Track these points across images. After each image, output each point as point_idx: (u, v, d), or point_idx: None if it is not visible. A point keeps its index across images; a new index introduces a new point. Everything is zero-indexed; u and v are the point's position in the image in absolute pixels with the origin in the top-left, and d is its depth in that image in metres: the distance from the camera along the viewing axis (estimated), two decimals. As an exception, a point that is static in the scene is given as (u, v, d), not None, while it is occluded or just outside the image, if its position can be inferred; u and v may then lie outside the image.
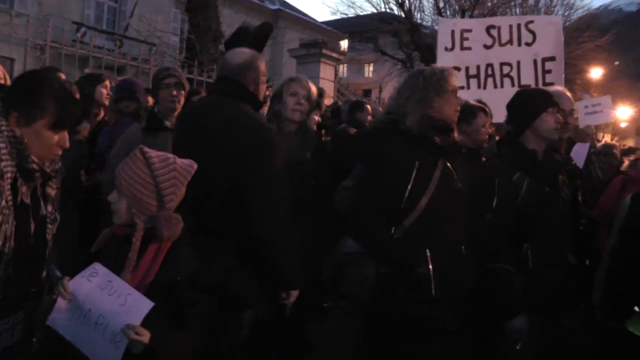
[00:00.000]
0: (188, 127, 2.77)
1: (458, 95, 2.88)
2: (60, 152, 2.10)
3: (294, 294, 2.62)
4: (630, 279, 2.41)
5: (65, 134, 2.08)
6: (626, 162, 4.72)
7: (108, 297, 1.96)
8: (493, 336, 2.86)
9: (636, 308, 2.44)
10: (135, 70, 10.30)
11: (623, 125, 32.99)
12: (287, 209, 2.50)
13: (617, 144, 10.02)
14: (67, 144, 2.09)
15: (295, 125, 3.33)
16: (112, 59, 10.08)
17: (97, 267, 2.05)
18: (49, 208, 2.15)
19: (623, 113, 31.59)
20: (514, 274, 2.77)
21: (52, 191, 2.17)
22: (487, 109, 3.55)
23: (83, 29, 18.41)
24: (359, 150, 2.88)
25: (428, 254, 2.57)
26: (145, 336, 1.89)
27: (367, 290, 2.59)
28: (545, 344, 2.88)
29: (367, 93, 25.14)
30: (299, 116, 3.30)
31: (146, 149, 2.15)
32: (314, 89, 3.37)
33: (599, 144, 7.18)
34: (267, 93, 3.65)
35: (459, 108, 2.86)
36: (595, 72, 25.00)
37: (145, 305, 1.93)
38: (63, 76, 4.50)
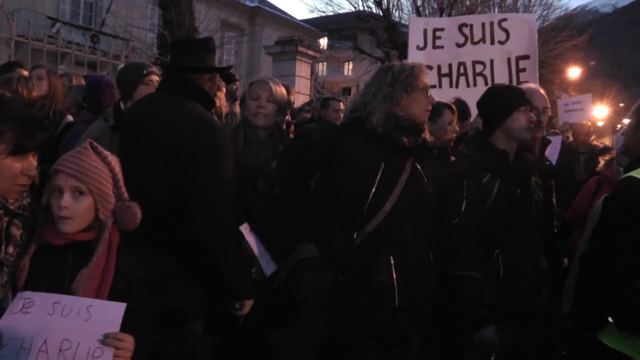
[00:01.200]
0: (132, 124, 2.58)
1: (430, 94, 2.74)
2: (27, 182, 1.85)
3: (248, 304, 2.45)
4: (601, 287, 2.29)
5: (31, 160, 1.83)
6: (602, 162, 4.65)
7: (64, 319, 1.77)
8: (461, 347, 2.74)
9: (610, 319, 2.31)
10: (112, 67, 10.09)
11: (600, 124, 33.53)
12: (231, 215, 2.34)
13: (597, 142, 10.12)
14: (34, 172, 1.84)
15: (265, 131, 3.09)
16: (83, 55, 9.85)
17: (28, 295, 1.81)
18: (10, 249, 1.90)
19: (600, 112, 32.09)
20: (483, 282, 2.64)
21: (16, 231, 1.91)
22: (453, 107, 3.41)
23: (58, 25, 18.11)
24: (319, 148, 2.70)
25: (391, 261, 2.43)
26: (128, 341, 1.79)
27: (323, 298, 2.45)
28: (518, 354, 2.76)
29: (345, 91, 25.05)
30: (263, 120, 3.05)
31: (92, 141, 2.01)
32: (279, 89, 3.13)
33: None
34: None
35: (430, 107, 2.72)
36: (573, 72, 25.30)
37: (116, 308, 1.81)
38: (25, 72, 4.27)
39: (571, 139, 7.56)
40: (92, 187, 1.91)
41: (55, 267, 1.89)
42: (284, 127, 3.71)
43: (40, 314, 1.77)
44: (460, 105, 3.87)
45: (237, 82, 5.95)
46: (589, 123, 7.66)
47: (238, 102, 3.97)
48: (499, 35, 5.23)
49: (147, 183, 2.28)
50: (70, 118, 3.91)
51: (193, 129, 2.33)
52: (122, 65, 8.32)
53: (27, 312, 1.77)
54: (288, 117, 4.04)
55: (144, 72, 3.45)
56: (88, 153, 1.96)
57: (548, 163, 3.22)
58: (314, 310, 2.77)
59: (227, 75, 5.17)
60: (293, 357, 3.54)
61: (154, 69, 3.60)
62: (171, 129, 2.34)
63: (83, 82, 5.21)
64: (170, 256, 2.29)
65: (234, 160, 2.46)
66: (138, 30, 16.27)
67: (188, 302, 2.32)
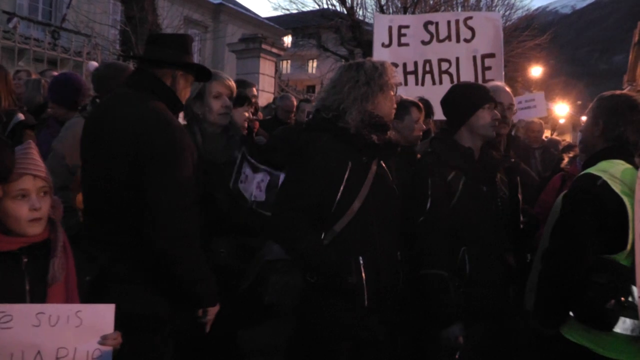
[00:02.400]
0: (94, 122, 2.47)
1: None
2: None
3: (212, 310, 2.36)
4: (562, 283, 2.31)
5: None
6: (566, 159, 4.73)
7: (54, 329, 1.75)
8: (428, 344, 2.73)
9: (571, 313, 2.34)
10: (73, 64, 9.82)
11: (561, 121, 34.37)
12: (190, 219, 2.23)
13: (559, 139, 10.38)
14: None
15: (221, 127, 3.05)
16: (42, 51, 9.56)
17: (2, 308, 1.73)
18: None
19: (561, 110, 32.90)
20: (450, 279, 2.63)
21: None
22: (420, 105, 3.39)
23: (15, 19, 17.52)
24: (284, 148, 2.63)
25: (360, 261, 2.39)
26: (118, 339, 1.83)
27: (292, 300, 2.39)
28: (485, 351, 2.77)
29: (310, 89, 25.02)
30: (227, 119, 3.00)
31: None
32: (234, 84, 3.09)
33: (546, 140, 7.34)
34: None
35: (395, 105, 2.69)
36: (535, 70, 25.85)
37: (106, 310, 1.82)
38: None
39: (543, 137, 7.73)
40: (51, 186, 1.93)
41: (8, 274, 1.81)
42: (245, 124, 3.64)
43: (23, 327, 1.73)
44: (424, 104, 3.87)
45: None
46: (540, 120, 7.82)
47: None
48: (465, 33, 5.23)
49: (104, 183, 2.20)
50: (21, 116, 3.73)
51: (150, 129, 2.22)
52: (93, 63, 8.10)
53: (7, 327, 1.72)
54: (249, 115, 3.91)
55: (125, 72, 3.37)
56: (35, 154, 1.91)
57: (512, 160, 3.22)
58: (282, 312, 2.71)
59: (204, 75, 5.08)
60: (260, 360, 3.45)
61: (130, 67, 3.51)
62: (128, 127, 2.23)
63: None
64: (127, 260, 2.20)
65: (196, 157, 2.37)
66: (100, 26, 15.90)
67: (150, 309, 2.22)
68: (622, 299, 2.19)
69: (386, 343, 2.55)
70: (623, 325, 2.24)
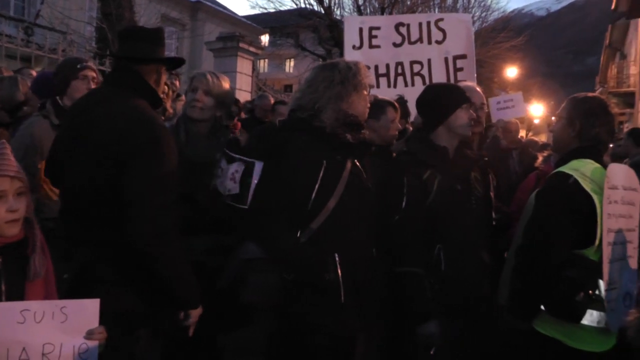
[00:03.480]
0: (72, 119, 2.45)
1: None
2: None
3: (194, 313, 2.35)
4: (535, 278, 2.38)
5: None
6: (540, 158, 4.83)
7: (40, 325, 1.74)
8: (405, 341, 2.76)
9: (542, 307, 2.41)
10: (48, 61, 9.64)
11: (536, 121, 34.89)
12: (171, 217, 2.22)
13: (536, 139, 10.56)
14: None
15: (205, 125, 3.04)
16: (15, 48, 9.38)
17: None
18: None
19: (536, 110, 33.42)
20: (425, 277, 2.67)
21: None
22: (396, 104, 3.43)
23: (-15, 15, 17.16)
24: (260, 147, 2.65)
25: (337, 258, 2.42)
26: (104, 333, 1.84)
27: (270, 299, 2.40)
28: (460, 347, 2.81)
29: (287, 88, 25.01)
30: (197, 112, 2.98)
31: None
32: (218, 82, 3.06)
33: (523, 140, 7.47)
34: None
35: (369, 104, 2.73)
36: (511, 71, 26.21)
37: (91, 305, 1.83)
38: None
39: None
40: (27, 186, 1.92)
41: None
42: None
43: (8, 324, 1.72)
44: (401, 104, 3.90)
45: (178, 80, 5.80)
46: (516, 121, 7.96)
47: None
48: (436, 35, 5.28)
49: (84, 182, 2.18)
50: None
51: (132, 126, 2.21)
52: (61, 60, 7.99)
53: None
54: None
55: (78, 66, 3.33)
56: (9, 151, 1.90)
57: (486, 159, 3.28)
58: (261, 311, 2.72)
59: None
60: (241, 360, 3.43)
61: (90, 63, 3.47)
62: (110, 125, 2.22)
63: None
64: (108, 259, 2.19)
65: (178, 156, 2.37)
66: (76, 22, 15.63)
67: (127, 308, 2.20)
68: (590, 292, 2.28)
69: (364, 339, 2.59)
70: (591, 318, 2.34)
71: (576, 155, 2.53)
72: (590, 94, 2.73)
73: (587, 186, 2.35)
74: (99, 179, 2.19)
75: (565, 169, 2.46)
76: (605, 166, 2.45)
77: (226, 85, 3.13)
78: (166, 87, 4.45)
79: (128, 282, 2.20)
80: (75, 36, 13.13)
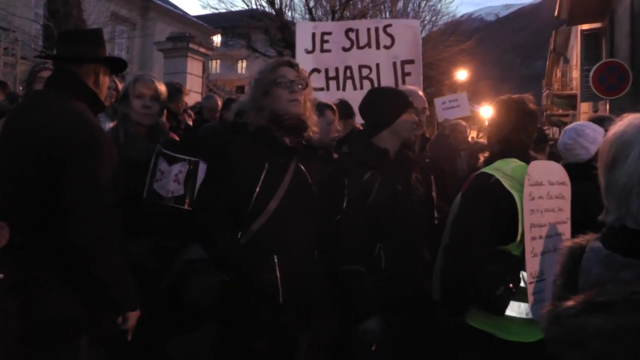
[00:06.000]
0: (10, 123, 2.41)
1: (315, 96, 2.79)
2: None
3: (132, 316, 2.34)
4: (461, 274, 2.48)
5: None
6: (481, 159, 4.99)
7: None
8: (347, 338, 2.82)
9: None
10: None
11: (487, 123, 35.74)
12: (109, 220, 2.22)
13: (483, 140, 10.82)
14: None
15: (145, 128, 3.08)
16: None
17: None
18: None
19: (486, 112, 34.23)
20: (366, 275, 2.73)
21: None
22: (334, 107, 3.50)
23: None
24: (206, 148, 2.68)
25: (275, 260, 2.45)
26: None
27: (210, 300, 2.43)
28: (402, 344, 2.89)
29: (239, 89, 24.84)
30: (149, 119, 3.04)
31: None
32: (162, 88, 3.11)
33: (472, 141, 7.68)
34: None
35: (294, 98, 2.65)
36: (461, 74, 26.78)
37: None
38: None
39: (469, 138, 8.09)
40: None
41: None
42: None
43: None
44: (344, 105, 3.98)
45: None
46: (465, 122, 8.19)
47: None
48: (385, 40, 5.40)
49: (19, 184, 2.16)
50: None
51: (68, 129, 2.19)
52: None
53: None
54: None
55: (35, 69, 3.39)
56: None
57: (427, 160, 3.40)
58: (205, 313, 2.73)
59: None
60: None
61: (47, 64, 3.43)
62: (46, 127, 2.20)
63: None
64: (43, 263, 2.16)
65: (116, 157, 2.37)
66: (20, 20, 15.09)
67: (66, 314, 2.17)
68: (512, 285, 2.38)
69: (306, 339, 2.63)
70: (518, 310, 2.43)
71: (501, 155, 2.64)
72: (514, 96, 2.80)
73: (507, 184, 2.44)
74: (34, 181, 2.16)
75: (488, 169, 2.58)
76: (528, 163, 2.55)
77: (164, 89, 3.17)
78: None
79: (66, 286, 2.18)
80: (19, 34, 12.69)
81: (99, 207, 2.17)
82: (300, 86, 2.66)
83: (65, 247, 2.12)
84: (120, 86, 4.36)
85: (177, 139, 3.20)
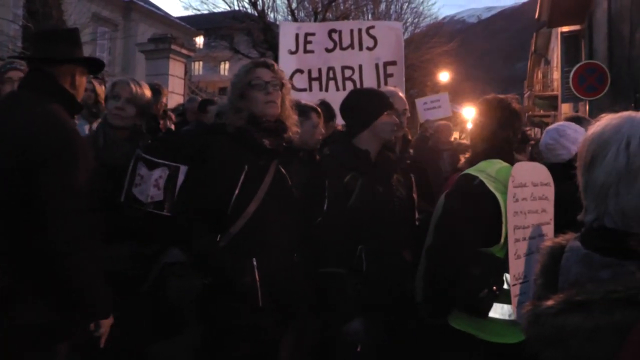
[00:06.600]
0: None
1: (298, 97, 2.78)
2: None
3: (104, 323, 2.29)
4: (445, 276, 2.48)
5: None
6: (462, 159, 5.02)
7: None
8: (331, 341, 2.82)
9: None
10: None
11: (469, 125, 36.02)
12: (85, 224, 2.16)
13: (465, 141, 10.92)
14: None
15: (125, 131, 3.02)
16: None
17: None
18: None
19: (468, 113, 34.50)
20: (347, 277, 2.72)
21: None
22: (319, 110, 3.49)
23: None
24: (186, 150, 2.65)
25: (254, 263, 2.43)
26: None
27: (189, 303, 2.40)
28: (386, 345, 2.89)
29: (222, 91, 24.74)
30: (120, 121, 2.98)
31: None
32: (140, 90, 3.04)
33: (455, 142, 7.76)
34: None
35: (270, 99, 2.63)
36: (444, 76, 26.97)
37: None
38: None
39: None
40: None
41: None
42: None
43: None
44: (326, 107, 3.97)
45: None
46: (448, 123, 8.27)
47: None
48: (367, 41, 5.41)
49: None
50: None
51: (42, 132, 2.14)
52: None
53: None
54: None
55: (2, 69, 3.30)
56: None
57: (408, 162, 3.41)
58: (185, 318, 2.70)
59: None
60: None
61: (16, 64, 3.37)
62: (17, 132, 2.14)
63: None
64: (15, 270, 2.11)
65: (93, 161, 2.32)
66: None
67: (42, 321, 2.12)
68: (495, 287, 2.38)
69: (288, 342, 2.62)
70: (501, 311, 2.43)
71: (485, 156, 2.64)
72: (500, 96, 2.80)
73: (491, 186, 2.44)
74: (8, 185, 2.10)
75: (472, 170, 2.58)
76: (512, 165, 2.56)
77: (148, 93, 3.11)
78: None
79: (41, 293, 2.13)
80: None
81: (74, 211, 2.11)
82: (276, 87, 2.64)
83: (38, 253, 2.07)
84: (98, 88, 4.32)
85: (153, 141, 3.16)
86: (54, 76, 2.33)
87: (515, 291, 2.36)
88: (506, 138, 2.67)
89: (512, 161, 2.63)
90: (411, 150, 6.34)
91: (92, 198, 2.24)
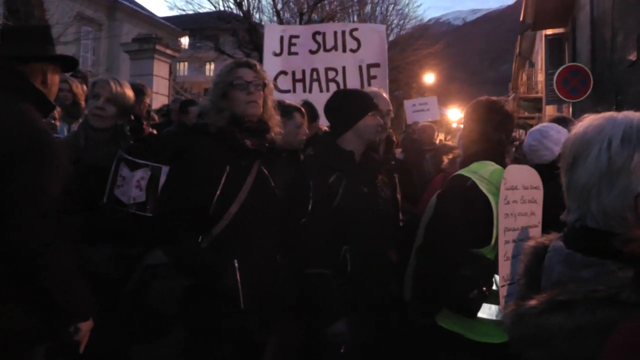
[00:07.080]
0: None
1: (282, 98, 2.76)
2: None
3: (84, 326, 2.24)
4: (434, 276, 2.48)
5: None
6: (446, 160, 5.06)
7: None
8: (315, 341, 2.80)
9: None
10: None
11: (454, 125, 36.25)
12: (55, 226, 2.10)
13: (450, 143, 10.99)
14: None
15: (106, 133, 2.96)
16: None
17: None
18: None
19: (453, 114, 34.71)
20: (332, 277, 2.71)
21: None
22: (302, 110, 3.48)
23: None
24: (168, 150, 2.61)
25: (236, 264, 2.40)
26: None
27: (171, 304, 2.37)
28: (370, 346, 2.88)
29: (207, 92, 24.58)
30: (99, 121, 2.92)
31: None
32: (121, 90, 2.99)
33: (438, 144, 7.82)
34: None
35: (251, 99, 2.60)
36: (429, 77, 27.13)
37: None
38: None
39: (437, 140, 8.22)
40: None
41: None
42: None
43: None
44: (309, 107, 3.96)
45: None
46: (432, 124, 8.33)
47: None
48: (351, 43, 5.45)
49: None
50: None
51: (11, 131, 2.07)
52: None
53: None
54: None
55: None
56: None
57: (393, 163, 3.41)
58: (169, 320, 2.67)
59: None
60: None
61: None
62: None
63: None
64: None
65: (66, 161, 2.26)
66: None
67: (18, 325, 2.07)
68: (485, 288, 2.39)
69: (272, 343, 2.60)
70: (489, 311, 2.45)
71: (477, 157, 2.65)
72: (492, 98, 2.83)
73: (484, 188, 2.45)
74: None
75: (465, 171, 2.58)
76: (505, 167, 2.57)
77: (129, 93, 3.06)
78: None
79: (16, 296, 2.07)
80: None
81: (42, 213, 2.05)
82: (258, 87, 2.62)
83: (9, 255, 2.01)
84: (75, 88, 4.25)
85: (135, 141, 3.12)
86: (25, 74, 2.25)
87: (503, 292, 2.37)
88: (499, 140, 2.69)
89: (503, 163, 2.65)
90: (399, 150, 6.40)
91: (65, 199, 2.17)
